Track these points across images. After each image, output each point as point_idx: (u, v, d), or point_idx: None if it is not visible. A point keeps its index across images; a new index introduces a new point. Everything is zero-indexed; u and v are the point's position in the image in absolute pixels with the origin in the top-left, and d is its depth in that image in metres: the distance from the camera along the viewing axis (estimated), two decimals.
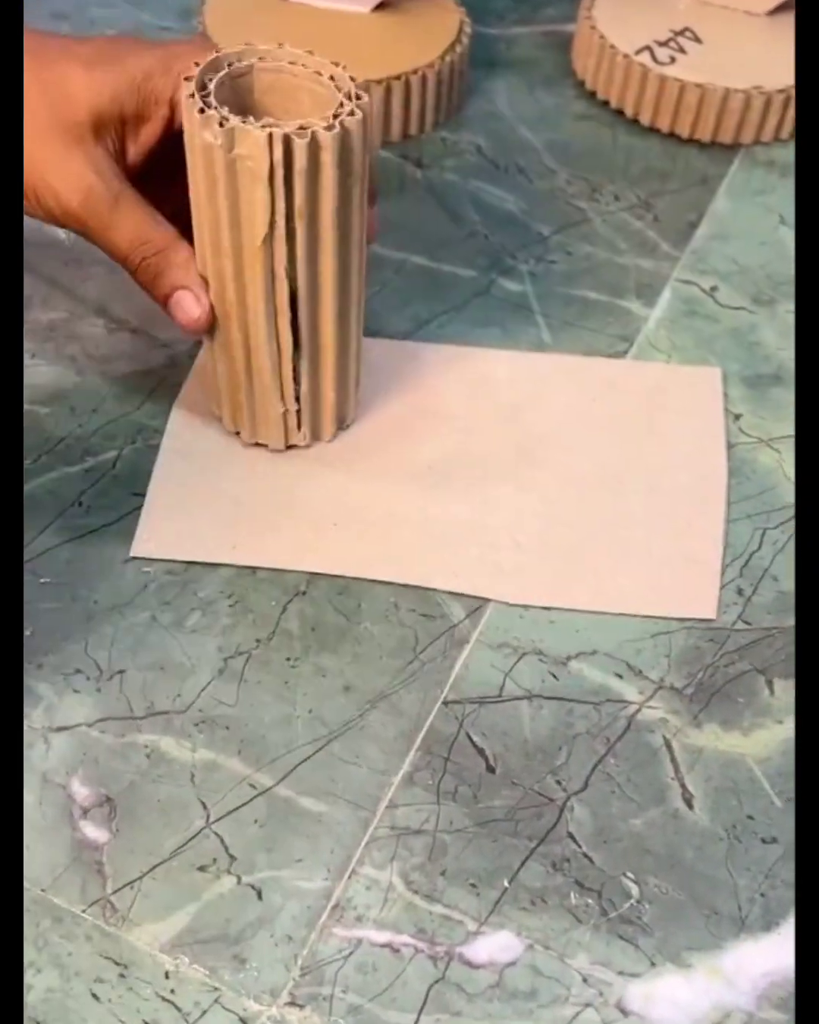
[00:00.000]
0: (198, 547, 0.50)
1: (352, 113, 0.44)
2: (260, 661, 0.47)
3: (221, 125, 0.43)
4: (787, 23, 0.71)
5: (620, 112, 0.71)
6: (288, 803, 0.44)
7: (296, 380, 0.51)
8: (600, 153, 0.69)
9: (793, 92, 0.67)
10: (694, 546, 0.51)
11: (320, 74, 0.46)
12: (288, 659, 0.47)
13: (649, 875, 0.43)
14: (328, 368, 0.51)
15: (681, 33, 0.70)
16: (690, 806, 0.44)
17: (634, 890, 0.42)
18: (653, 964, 0.41)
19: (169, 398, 0.55)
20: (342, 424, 0.54)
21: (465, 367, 0.57)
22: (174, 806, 0.43)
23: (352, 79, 0.45)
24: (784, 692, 0.47)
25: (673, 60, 0.69)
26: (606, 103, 0.71)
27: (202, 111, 0.43)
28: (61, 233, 0.58)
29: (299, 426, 0.53)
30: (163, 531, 0.50)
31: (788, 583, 0.50)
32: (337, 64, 0.46)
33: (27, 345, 0.56)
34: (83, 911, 0.41)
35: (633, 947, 0.41)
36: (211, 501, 0.52)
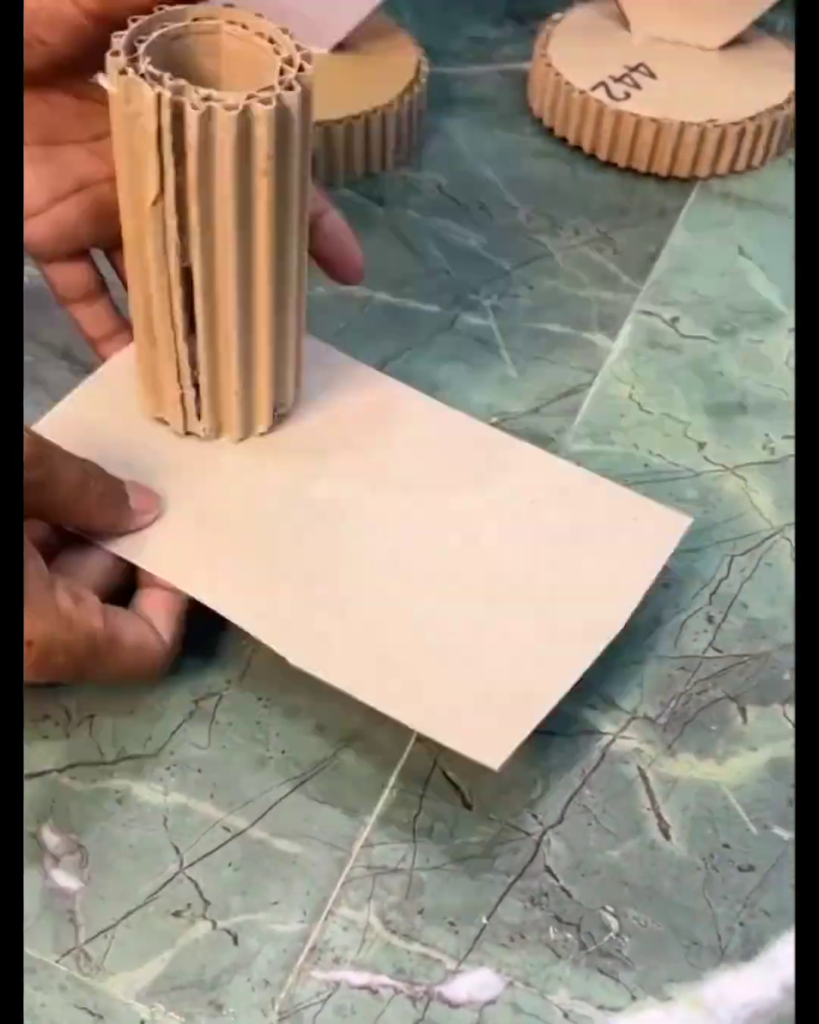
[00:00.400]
0: None
1: (290, 86, 0.40)
2: (231, 702, 0.47)
3: (123, 73, 0.40)
4: (739, 57, 0.72)
5: (578, 148, 0.71)
6: (262, 845, 0.43)
7: (192, 364, 0.48)
8: (559, 189, 0.70)
9: (747, 125, 0.68)
10: (531, 687, 0.44)
11: (262, 36, 0.42)
12: (260, 699, 0.47)
13: (628, 907, 0.42)
14: (228, 360, 0.47)
15: (635, 69, 0.71)
16: (667, 836, 0.44)
17: (613, 923, 0.42)
18: (634, 997, 0.41)
19: None
20: (249, 430, 0.51)
21: (427, 422, 0.53)
22: (146, 851, 0.43)
23: (299, 48, 0.42)
24: (757, 719, 0.47)
25: (628, 95, 0.69)
26: (564, 139, 0.72)
27: (124, 72, 0.40)
28: (25, 277, 0.58)
29: (199, 415, 0.50)
30: None
31: (757, 610, 0.50)
32: (284, 30, 0.42)
33: None
34: (57, 961, 0.40)
35: (613, 981, 0.41)
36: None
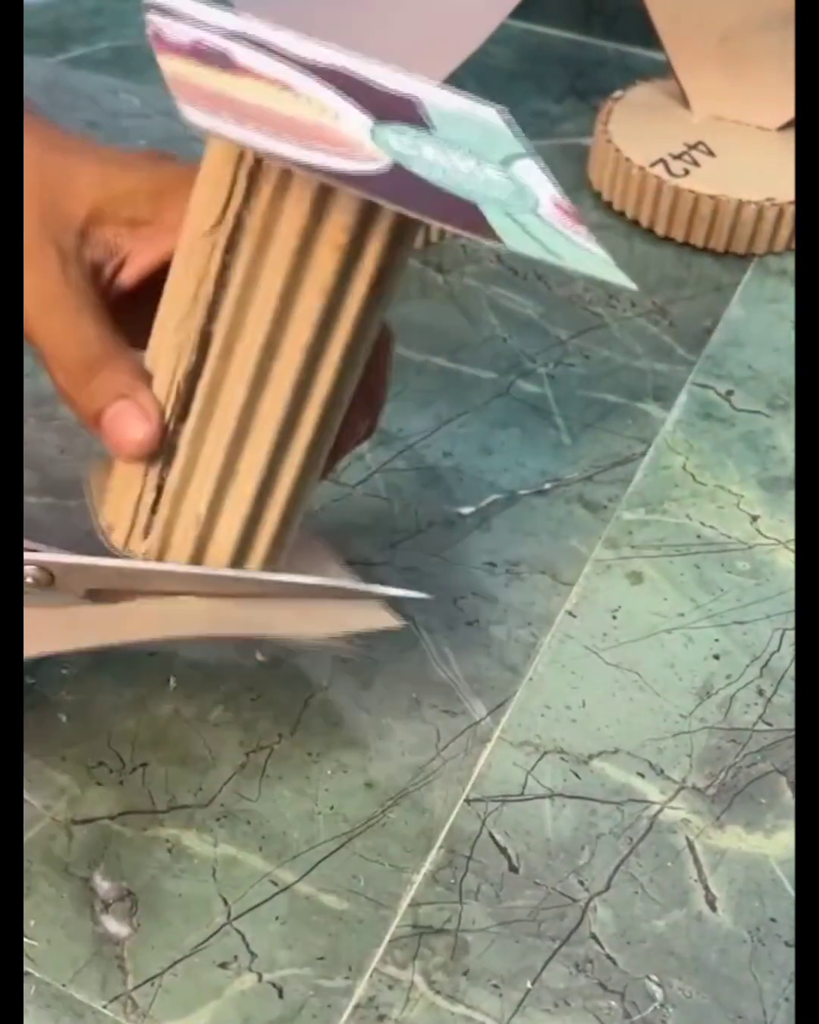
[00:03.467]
0: None
1: None
2: (282, 756, 0.47)
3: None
4: None
5: (636, 222, 0.73)
6: (309, 900, 0.44)
7: (166, 460, 0.40)
8: (617, 261, 0.71)
9: None
10: None
11: None
12: (310, 754, 0.48)
13: (673, 978, 0.42)
14: (206, 477, 0.40)
15: (695, 146, 0.73)
16: (713, 908, 0.44)
17: (658, 993, 0.42)
18: None
19: None
20: (202, 560, 0.42)
21: None
22: (195, 901, 0.43)
23: None
24: None
25: (687, 173, 0.71)
26: (622, 213, 0.73)
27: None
28: None
29: (146, 531, 0.41)
30: None
31: None
32: None
33: None
34: (104, 1006, 0.41)
35: None
36: None
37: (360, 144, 0.35)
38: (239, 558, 0.42)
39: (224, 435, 0.39)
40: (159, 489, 0.41)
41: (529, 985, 0.42)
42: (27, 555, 0.41)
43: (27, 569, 0.41)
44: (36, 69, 0.83)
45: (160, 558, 0.42)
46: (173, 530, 0.41)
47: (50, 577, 0.41)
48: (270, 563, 0.43)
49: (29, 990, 0.41)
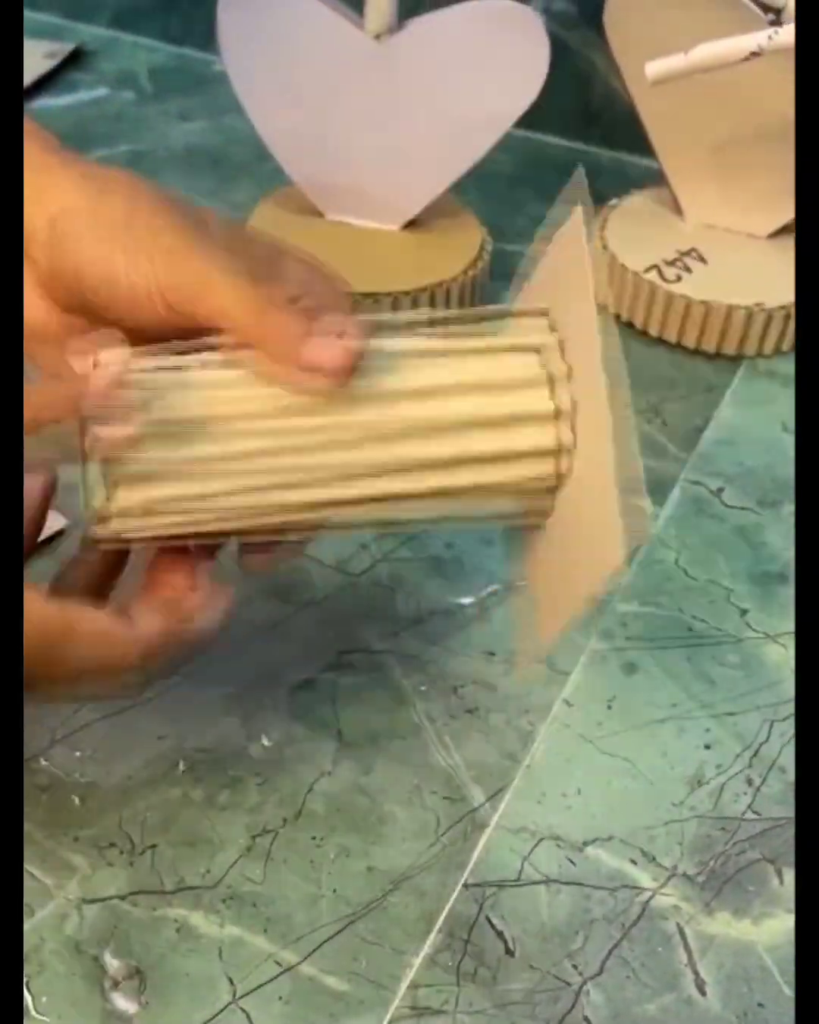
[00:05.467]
0: None
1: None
2: (286, 839, 0.49)
3: None
4: (787, 244, 0.77)
5: (630, 324, 0.75)
6: (312, 981, 0.45)
7: None
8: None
9: (793, 309, 0.72)
10: None
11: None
12: (313, 838, 0.49)
13: None
14: None
15: (687, 254, 0.76)
16: (702, 992, 0.45)
17: None
18: None
19: None
20: None
21: None
22: (202, 980, 0.44)
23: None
24: (793, 882, 0.49)
25: (680, 278, 0.74)
26: (618, 316, 0.76)
27: None
28: None
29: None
30: None
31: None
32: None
33: None
34: None
35: None
36: None
37: None
38: None
39: None
40: None
41: None
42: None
43: None
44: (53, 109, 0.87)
45: None
46: None
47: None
48: None
49: None
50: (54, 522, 0.57)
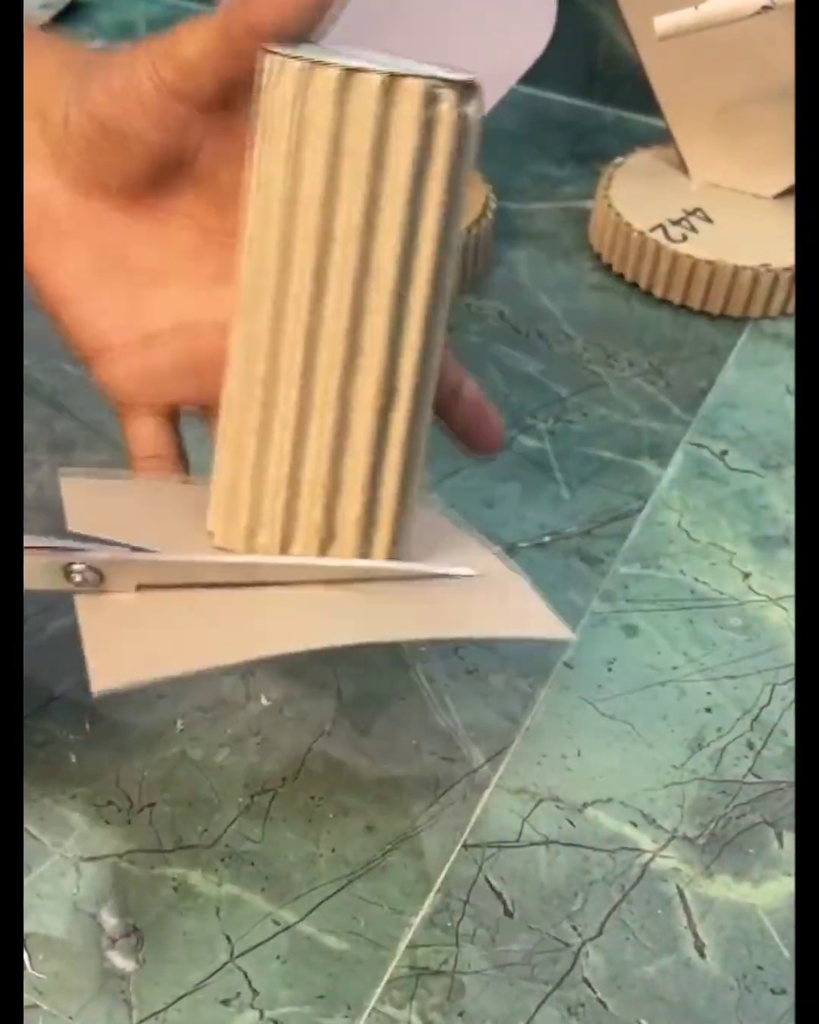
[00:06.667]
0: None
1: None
2: (285, 799, 0.49)
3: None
4: (792, 205, 0.76)
5: (634, 284, 0.75)
6: (310, 940, 0.45)
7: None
8: (615, 322, 0.73)
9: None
10: None
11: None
12: (312, 798, 0.49)
13: (662, 1022, 0.44)
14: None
15: (693, 213, 0.75)
16: (702, 955, 0.45)
17: None
18: None
19: None
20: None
21: None
22: (199, 939, 0.44)
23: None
24: (793, 845, 0.49)
25: (685, 238, 0.73)
26: (621, 275, 0.75)
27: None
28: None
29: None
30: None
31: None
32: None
33: None
34: None
35: None
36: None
37: None
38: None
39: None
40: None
41: None
42: (78, 556, 0.42)
43: (76, 567, 0.41)
44: None
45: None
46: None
47: (99, 576, 0.42)
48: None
49: (36, 1022, 0.42)
50: None
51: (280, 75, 0.38)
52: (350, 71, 0.38)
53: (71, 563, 0.41)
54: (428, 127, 0.38)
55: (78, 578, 0.42)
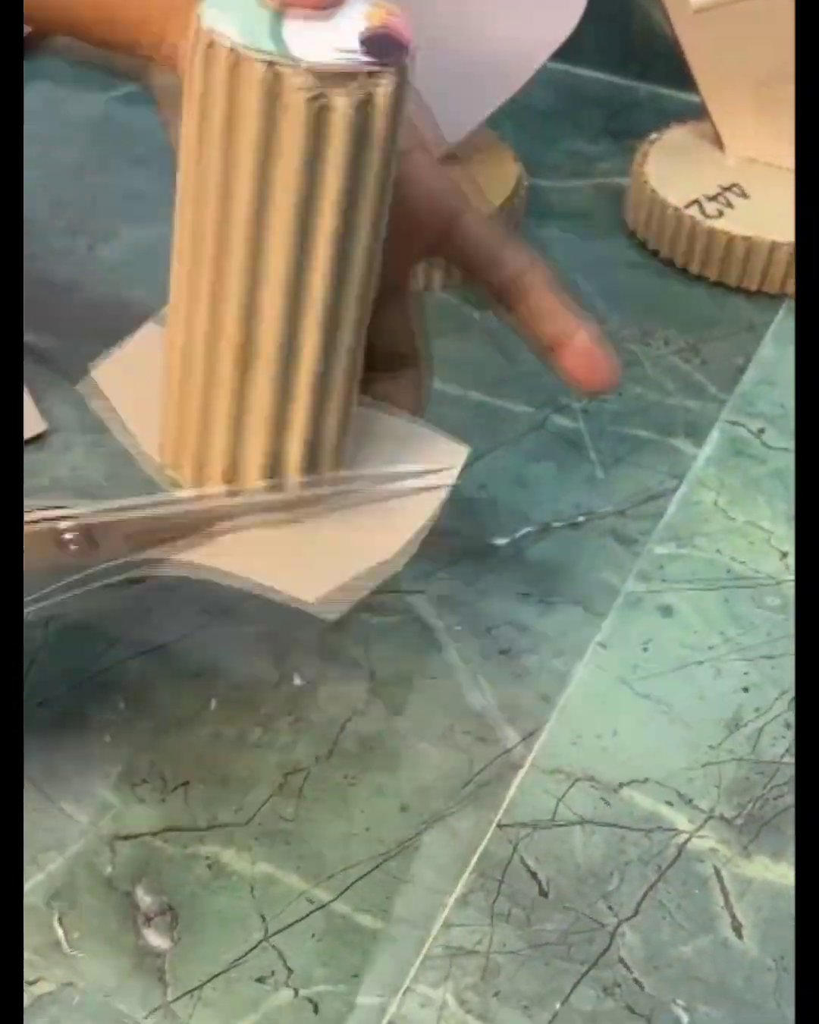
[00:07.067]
0: None
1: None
2: (318, 778, 0.49)
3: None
4: None
5: (670, 261, 0.74)
6: (345, 919, 0.45)
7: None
8: (651, 300, 0.72)
9: None
10: None
11: None
12: (346, 777, 0.49)
13: (699, 1003, 0.43)
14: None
15: (729, 189, 0.74)
16: (739, 935, 0.45)
17: (684, 1017, 0.43)
18: None
19: None
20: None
21: None
22: (234, 918, 0.44)
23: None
24: None
25: (721, 214, 0.72)
26: (656, 252, 0.75)
27: None
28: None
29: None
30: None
31: None
32: None
33: None
34: (145, 1018, 0.42)
35: None
36: None
37: None
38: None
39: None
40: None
41: (558, 1007, 0.43)
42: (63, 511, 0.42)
43: (66, 536, 0.42)
44: (86, 106, 0.85)
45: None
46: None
47: (90, 539, 0.42)
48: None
49: (73, 1000, 0.42)
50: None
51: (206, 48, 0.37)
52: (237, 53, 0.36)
53: (61, 532, 0.42)
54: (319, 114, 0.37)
55: (73, 548, 0.42)
